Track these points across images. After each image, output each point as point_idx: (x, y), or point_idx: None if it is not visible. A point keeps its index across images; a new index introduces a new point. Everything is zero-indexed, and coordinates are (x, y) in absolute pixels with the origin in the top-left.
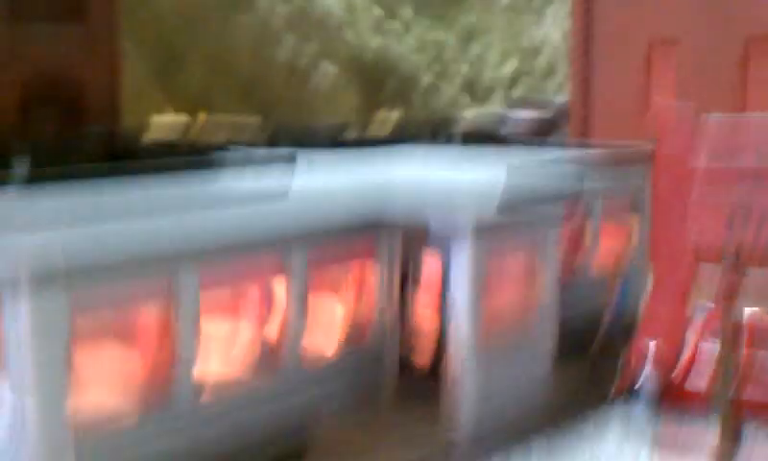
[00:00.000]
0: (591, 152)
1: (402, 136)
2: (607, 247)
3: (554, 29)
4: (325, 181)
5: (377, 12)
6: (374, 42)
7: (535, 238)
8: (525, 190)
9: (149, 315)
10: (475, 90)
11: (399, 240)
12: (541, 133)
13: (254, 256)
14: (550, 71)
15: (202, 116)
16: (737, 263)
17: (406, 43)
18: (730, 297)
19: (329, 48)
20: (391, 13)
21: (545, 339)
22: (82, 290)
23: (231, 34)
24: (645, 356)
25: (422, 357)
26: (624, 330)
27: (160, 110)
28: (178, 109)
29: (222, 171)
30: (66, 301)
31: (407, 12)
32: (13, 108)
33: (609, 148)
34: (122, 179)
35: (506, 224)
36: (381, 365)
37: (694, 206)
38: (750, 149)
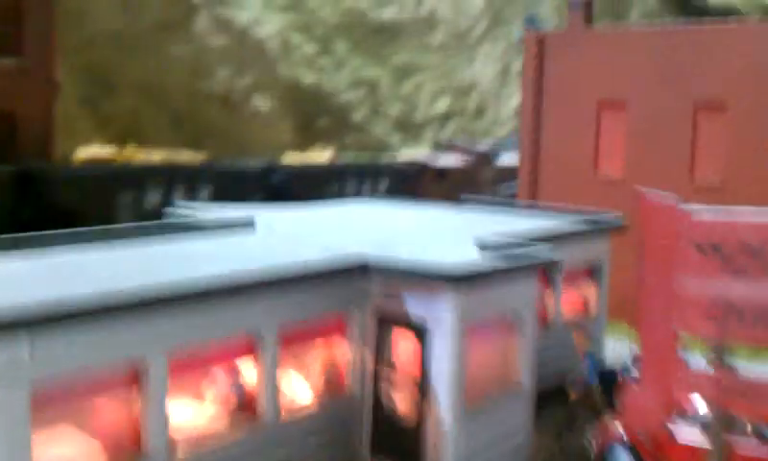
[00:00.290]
0: (557, 224)
1: (333, 176)
2: (569, 313)
3: (484, 70)
4: (292, 254)
5: (311, 48)
6: (308, 77)
7: (510, 309)
8: (498, 267)
9: (113, 400)
10: (407, 128)
11: (373, 318)
12: (464, 179)
13: (226, 339)
14: (480, 111)
15: (129, 149)
16: (723, 359)
17: (339, 79)
18: (719, 391)
19: (263, 81)
20: (325, 49)
21: (523, 407)
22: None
23: (165, 63)
24: (615, 437)
25: (400, 431)
26: (591, 401)
27: (88, 140)
28: (106, 140)
29: (175, 236)
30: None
31: (341, 48)
32: None
33: (565, 213)
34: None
35: (481, 299)
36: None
37: (680, 299)
38: (737, 245)
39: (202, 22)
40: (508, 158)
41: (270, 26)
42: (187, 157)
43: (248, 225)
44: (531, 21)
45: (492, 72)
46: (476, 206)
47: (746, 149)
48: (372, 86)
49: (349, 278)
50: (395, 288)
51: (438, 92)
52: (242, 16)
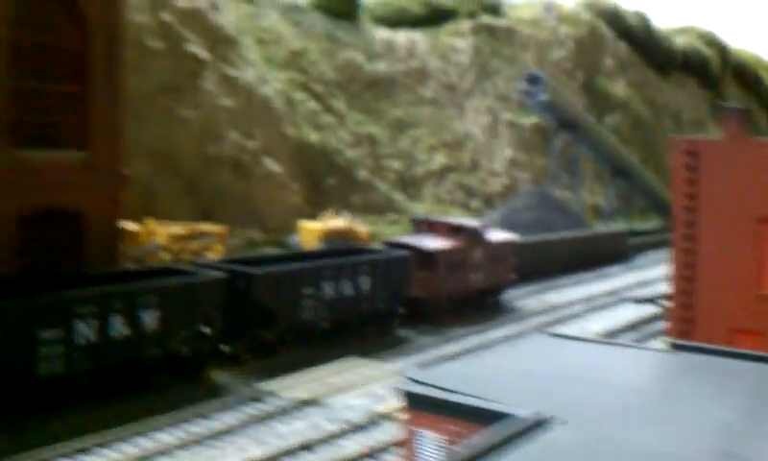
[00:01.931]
0: None
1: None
2: None
3: (475, 123)
4: None
5: (312, 105)
6: (313, 136)
7: None
8: None
9: None
10: (407, 184)
11: None
12: (455, 264)
13: None
14: (474, 166)
15: (150, 223)
16: None
17: (341, 137)
18: None
19: (272, 142)
20: (325, 106)
21: None
22: None
23: (174, 127)
24: None
25: None
26: None
27: None
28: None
29: None
30: None
31: (339, 104)
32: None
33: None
34: None
35: None
36: None
37: None
38: None
39: (209, 82)
40: (499, 235)
41: (274, 84)
42: (208, 228)
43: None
44: (534, 79)
45: (479, 127)
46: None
47: None
48: (372, 143)
49: None
50: None
51: (434, 146)
52: (247, 74)
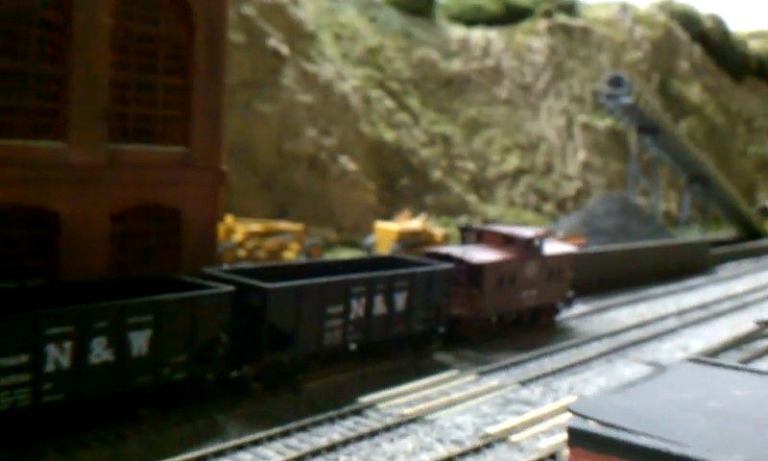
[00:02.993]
0: None
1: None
2: None
3: (549, 124)
4: None
5: (388, 103)
6: (388, 135)
7: None
8: None
9: None
10: (480, 185)
11: None
12: (506, 281)
13: None
14: (548, 169)
15: (229, 219)
16: None
17: (416, 136)
18: None
19: (349, 140)
20: (400, 105)
21: None
22: None
23: (253, 123)
24: None
25: None
26: None
27: None
28: None
29: None
30: None
31: (414, 102)
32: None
33: None
34: None
35: None
36: None
37: None
38: None
39: (288, 77)
40: (558, 246)
41: (352, 80)
42: (286, 227)
43: None
44: (617, 81)
45: (554, 129)
46: None
47: None
48: (446, 142)
49: None
50: None
51: (507, 148)
52: (325, 70)
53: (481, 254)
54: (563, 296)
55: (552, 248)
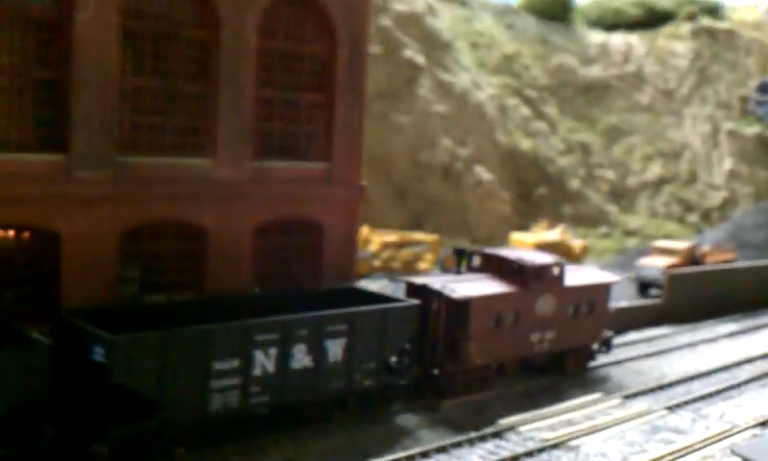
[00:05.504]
0: None
1: None
2: None
3: (692, 132)
4: None
5: (525, 111)
6: (524, 144)
7: None
8: None
9: None
10: (620, 195)
11: None
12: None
13: None
14: (692, 178)
15: (365, 230)
16: None
17: (553, 144)
18: None
19: (484, 149)
20: (537, 113)
21: None
22: None
23: (389, 133)
24: None
25: None
26: None
27: None
28: None
29: None
30: None
31: (551, 110)
32: None
33: None
34: None
35: None
36: None
37: None
38: None
39: (424, 88)
40: (588, 274)
41: (487, 89)
42: (421, 237)
43: None
44: (766, 87)
45: (700, 136)
46: None
47: None
48: (584, 151)
49: None
50: None
51: (649, 156)
52: (461, 79)
53: (468, 287)
54: (596, 336)
55: (579, 277)
